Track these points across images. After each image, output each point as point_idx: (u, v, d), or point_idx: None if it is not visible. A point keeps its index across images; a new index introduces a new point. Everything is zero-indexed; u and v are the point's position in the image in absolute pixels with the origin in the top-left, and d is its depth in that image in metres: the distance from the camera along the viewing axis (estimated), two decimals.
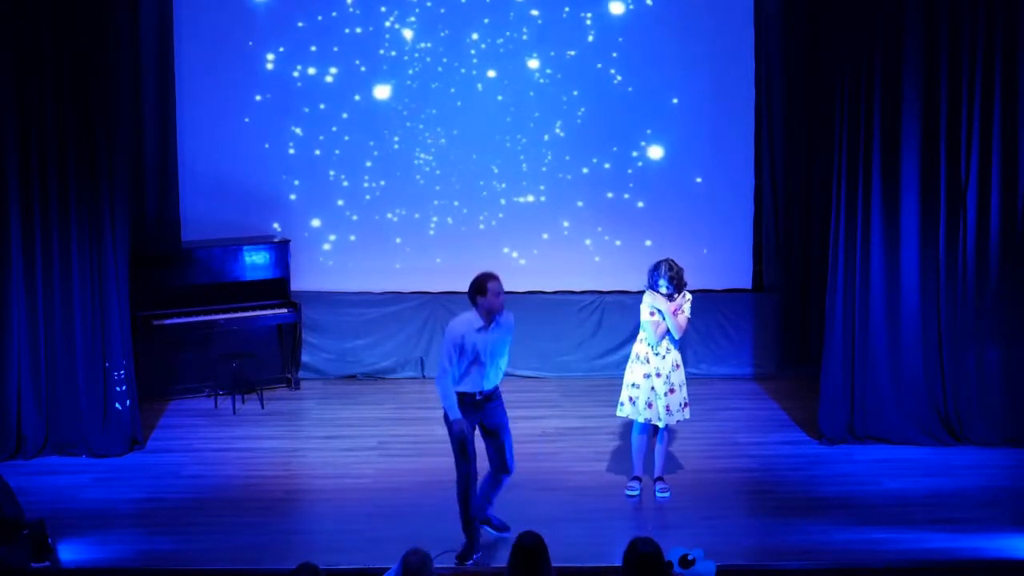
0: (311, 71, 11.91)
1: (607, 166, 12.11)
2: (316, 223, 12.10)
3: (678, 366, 9.28)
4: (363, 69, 11.93)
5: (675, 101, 12.04)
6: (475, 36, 11.91)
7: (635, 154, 12.10)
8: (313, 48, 11.88)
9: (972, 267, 10.23)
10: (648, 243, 11.88)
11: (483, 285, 8.24)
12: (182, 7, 11.71)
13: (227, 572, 8.11)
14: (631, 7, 11.92)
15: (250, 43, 11.84)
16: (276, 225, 11.98)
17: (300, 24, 11.86)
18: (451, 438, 8.41)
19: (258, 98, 11.90)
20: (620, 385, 9.38)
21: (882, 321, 10.24)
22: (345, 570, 7.89)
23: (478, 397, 8.43)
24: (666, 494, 9.30)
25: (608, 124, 12.05)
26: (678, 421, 9.30)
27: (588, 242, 12.10)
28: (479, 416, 8.49)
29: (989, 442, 10.28)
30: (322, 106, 11.95)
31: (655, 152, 12.11)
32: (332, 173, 12.06)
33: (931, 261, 10.22)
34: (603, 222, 12.11)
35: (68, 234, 9.99)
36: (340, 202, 12.10)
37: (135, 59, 11.51)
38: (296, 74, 11.90)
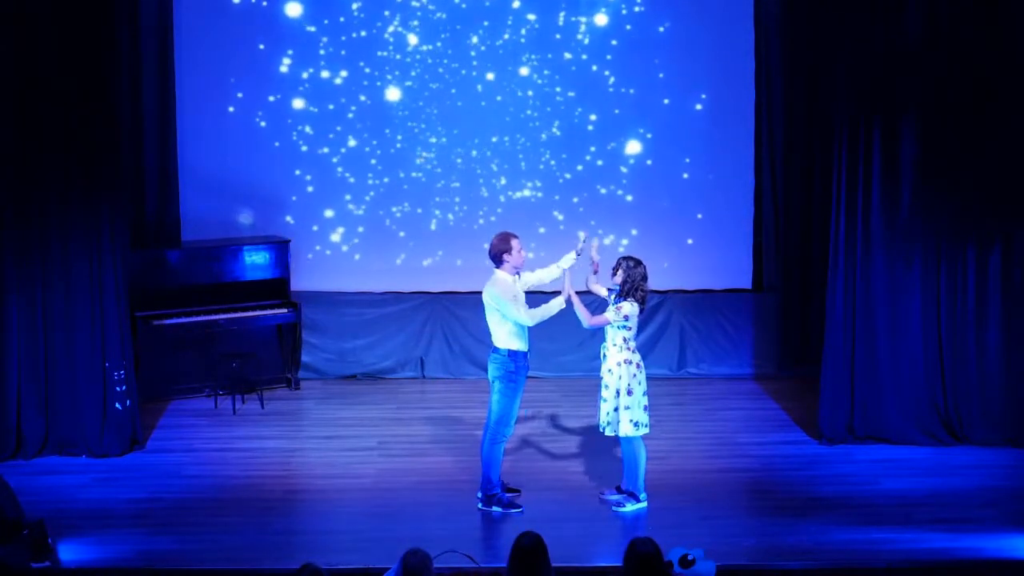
0: (312, 71, 11.92)
1: (605, 166, 12.11)
2: (316, 223, 12.11)
3: (611, 372, 9.05)
4: (364, 70, 11.94)
5: (676, 102, 12.04)
6: (475, 39, 11.92)
7: (635, 154, 12.10)
8: (313, 48, 11.89)
9: (972, 266, 10.23)
10: (634, 231, 11.90)
11: (508, 244, 8.93)
12: (182, 7, 11.72)
13: (227, 572, 8.10)
14: (631, 8, 11.92)
15: (250, 43, 11.84)
16: (289, 219, 12.00)
17: (300, 24, 11.86)
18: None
19: (258, 98, 11.91)
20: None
21: (882, 321, 10.23)
22: (345, 570, 7.88)
23: (528, 357, 9.08)
24: (619, 508, 9.21)
25: (608, 124, 12.06)
26: (615, 435, 9.07)
27: (582, 239, 12.06)
28: (527, 376, 9.12)
29: (989, 442, 10.27)
30: (323, 107, 11.96)
31: (654, 153, 12.11)
32: (332, 173, 12.07)
33: (931, 260, 10.21)
34: (602, 222, 12.10)
35: (68, 234, 9.98)
36: (341, 202, 12.10)
37: (135, 59, 11.51)
38: (297, 74, 11.91)
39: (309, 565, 6.35)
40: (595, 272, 9.24)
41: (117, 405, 10.15)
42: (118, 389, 10.15)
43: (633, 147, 12.10)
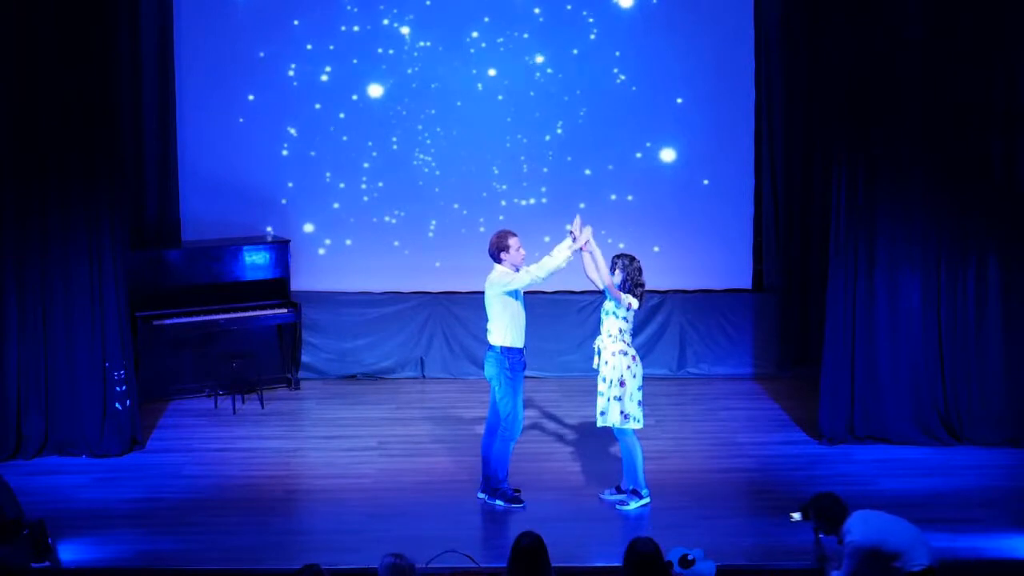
0: (311, 71, 11.91)
1: (608, 166, 12.10)
2: (316, 223, 12.10)
3: (607, 363, 9.10)
4: (363, 69, 11.93)
5: (676, 102, 12.04)
6: (475, 34, 11.91)
7: (637, 155, 12.10)
8: (313, 48, 11.88)
9: (972, 266, 10.22)
10: (656, 249, 11.93)
11: (505, 242, 9.01)
12: (182, 7, 11.72)
13: (227, 572, 8.11)
14: (632, 8, 11.92)
15: (250, 43, 11.83)
16: (269, 229, 11.97)
17: (300, 24, 11.86)
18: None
19: (258, 98, 11.90)
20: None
21: (882, 321, 10.24)
22: (345, 570, 7.88)
23: (524, 353, 9.06)
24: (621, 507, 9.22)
25: (608, 124, 12.05)
26: (613, 426, 9.13)
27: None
28: (524, 373, 9.13)
29: (989, 442, 10.27)
30: (321, 106, 11.95)
31: (655, 152, 12.11)
32: (332, 173, 12.06)
33: (932, 260, 10.22)
34: (603, 222, 12.06)
35: (68, 234, 9.98)
36: (339, 203, 12.09)
37: (135, 59, 11.52)
38: (296, 74, 11.90)
39: (311, 566, 6.35)
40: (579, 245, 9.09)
41: (117, 405, 10.16)
42: (118, 389, 10.15)
43: (634, 148, 12.08)
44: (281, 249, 11.81)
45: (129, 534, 8.70)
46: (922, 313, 10.24)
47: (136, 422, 10.33)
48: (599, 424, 9.10)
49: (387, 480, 9.71)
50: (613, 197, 12.13)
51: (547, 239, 11.87)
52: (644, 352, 10.64)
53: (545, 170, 12.12)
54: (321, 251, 12.10)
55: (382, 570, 6.30)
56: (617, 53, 11.97)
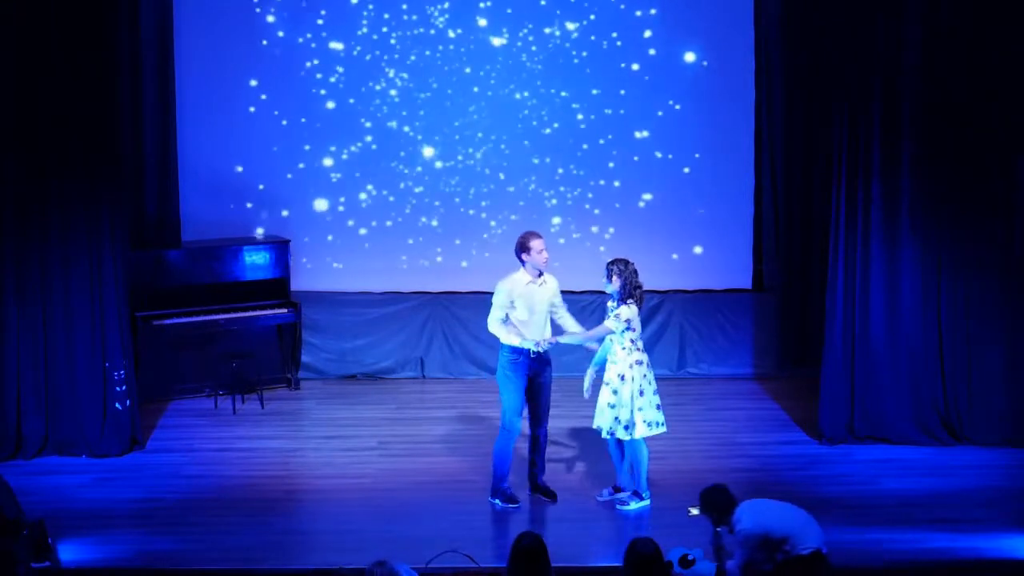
0: (312, 71, 11.91)
1: (608, 165, 12.10)
2: (316, 223, 12.09)
3: (622, 377, 9.06)
4: (365, 68, 11.93)
5: (675, 102, 12.04)
6: (483, 23, 11.89)
7: (635, 154, 12.10)
8: (313, 46, 11.88)
9: (973, 266, 10.21)
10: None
11: (527, 244, 8.89)
12: (182, 7, 11.71)
13: (227, 572, 8.11)
14: (631, 7, 11.92)
15: (251, 43, 11.83)
16: (260, 230, 11.97)
17: (301, 24, 11.85)
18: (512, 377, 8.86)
19: (259, 98, 11.90)
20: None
21: (882, 321, 10.24)
22: (346, 570, 7.88)
23: (532, 354, 8.89)
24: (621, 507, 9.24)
25: (609, 123, 12.05)
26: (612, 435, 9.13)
27: (588, 244, 12.09)
28: (530, 372, 8.94)
29: (989, 442, 10.27)
30: (323, 106, 11.95)
31: (655, 152, 12.11)
32: (333, 174, 12.06)
33: (931, 259, 10.21)
34: (603, 221, 12.11)
35: (68, 234, 9.98)
36: (339, 203, 12.09)
37: (135, 58, 11.51)
38: (298, 74, 11.89)
39: (341, 570, 6.41)
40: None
41: (117, 405, 10.16)
42: (118, 389, 10.15)
43: (634, 147, 12.07)
44: (281, 249, 11.81)
45: (129, 534, 8.69)
46: (922, 313, 10.24)
47: (136, 422, 10.33)
48: (624, 437, 9.00)
49: (387, 480, 9.71)
50: (617, 205, 12.13)
51: (561, 241, 11.91)
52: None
53: (544, 170, 12.10)
54: (321, 251, 12.11)
55: None
56: (616, 53, 11.96)
